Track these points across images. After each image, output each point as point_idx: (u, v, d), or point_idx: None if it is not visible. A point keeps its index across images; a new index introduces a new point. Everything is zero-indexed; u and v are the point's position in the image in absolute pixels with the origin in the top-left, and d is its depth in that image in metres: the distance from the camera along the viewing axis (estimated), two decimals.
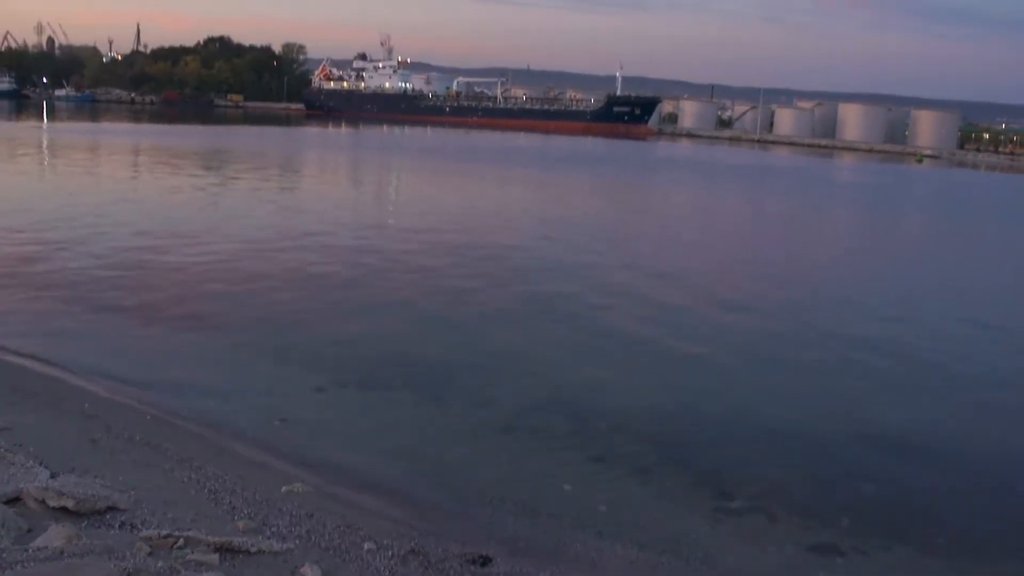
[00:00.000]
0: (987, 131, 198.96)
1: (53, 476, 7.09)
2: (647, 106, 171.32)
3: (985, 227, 42.50)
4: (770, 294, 21.07)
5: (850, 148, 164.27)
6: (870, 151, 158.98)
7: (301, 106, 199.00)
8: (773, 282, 22.85)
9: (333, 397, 12.01)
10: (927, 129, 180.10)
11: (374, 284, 18.97)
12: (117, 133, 77.82)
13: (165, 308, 15.81)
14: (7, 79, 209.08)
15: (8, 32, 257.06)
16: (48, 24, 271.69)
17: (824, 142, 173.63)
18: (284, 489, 8.30)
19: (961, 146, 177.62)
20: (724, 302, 19.62)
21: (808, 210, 45.71)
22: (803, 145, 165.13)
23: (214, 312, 15.77)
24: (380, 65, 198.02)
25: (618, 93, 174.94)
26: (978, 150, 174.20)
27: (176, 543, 5.93)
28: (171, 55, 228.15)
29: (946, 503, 10.12)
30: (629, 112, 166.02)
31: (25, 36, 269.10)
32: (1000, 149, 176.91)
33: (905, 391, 13.94)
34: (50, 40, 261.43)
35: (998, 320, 19.96)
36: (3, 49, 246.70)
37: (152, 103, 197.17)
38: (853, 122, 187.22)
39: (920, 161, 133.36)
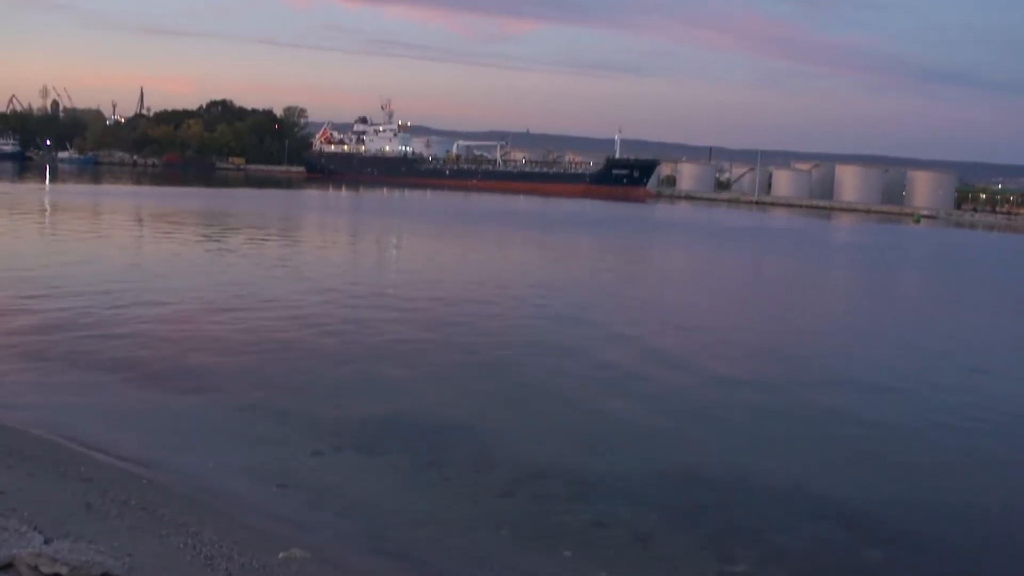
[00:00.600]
0: (983, 191, 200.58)
1: (47, 541, 7.00)
2: (646, 169, 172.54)
3: (988, 287, 42.55)
4: (769, 360, 21.05)
5: (848, 209, 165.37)
6: (868, 212, 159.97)
7: (302, 169, 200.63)
8: (771, 347, 22.84)
9: (332, 461, 11.93)
10: (924, 190, 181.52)
11: (372, 348, 18.94)
12: (118, 195, 78.35)
13: (163, 372, 15.77)
14: (11, 142, 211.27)
15: (14, 95, 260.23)
16: (53, 88, 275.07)
17: (822, 203, 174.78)
18: (281, 555, 8.21)
19: (958, 206, 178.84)
20: (723, 368, 19.60)
21: (806, 272, 45.84)
22: (801, 206, 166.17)
23: (212, 376, 15.73)
24: (380, 129, 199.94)
25: (617, 156, 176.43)
26: (975, 210, 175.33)
27: None
28: (174, 118, 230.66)
29: (951, 569, 10.01)
30: (628, 175, 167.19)
31: (31, 99, 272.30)
32: (997, 209, 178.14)
33: (906, 456, 13.86)
34: (55, 103, 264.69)
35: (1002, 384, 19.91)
36: (8, 112, 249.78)
37: (154, 166, 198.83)
38: (850, 183, 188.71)
39: (917, 221, 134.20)
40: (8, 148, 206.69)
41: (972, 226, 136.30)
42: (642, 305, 28.94)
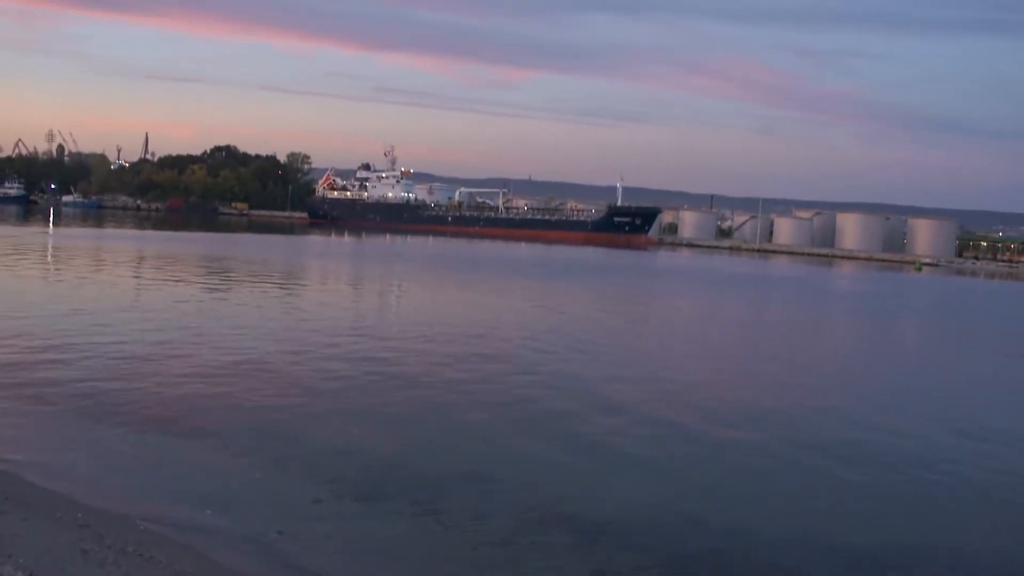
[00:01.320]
0: (984, 239, 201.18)
1: None
2: (647, 216, 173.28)
3: (990, 333, 42.47)
4: (771, 407, 20.97)
5: (849, 257, 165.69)
6: (869, 259, 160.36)
7: (305, 215, 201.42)
8: (774, 394, 22.77)
9: (331, 509, 11.84)
10: (925, 237, 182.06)
11: (371, 395, 18.87)
12: (121, 239, 78.63)
13: (162, 417, 15.71)
14: (16, 185, 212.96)
15: (20, 139, 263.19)
16: (59, 132, 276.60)
17: (823, 251, 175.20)
18: None
19: (959, 254, 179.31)
20: (725, 415, 19.53)
21: (808, 319, 45.81)
22: (803, 254, 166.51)
23: (211, 421, 15.66)
24: (383, 175, 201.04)
25: (619, 203, 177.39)
26: (976, 258, 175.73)
27: None
28: (178, 163, 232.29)
29: None
30: (630, 222, 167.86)
31: (36, 143, 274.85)
32: (999, 256, 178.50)
33: (909, 506, 13.75)
34: (60, 147, 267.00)
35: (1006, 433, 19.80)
36: (14, 155, 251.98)
37: (157, 210, 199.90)
38: (851, 231, 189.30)
39: (919, 269, 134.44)
40: (13, 192, 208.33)
41: (974, 274, 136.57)
42: (642, 352, 28.89)
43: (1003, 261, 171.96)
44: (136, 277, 43.72)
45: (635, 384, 22.17)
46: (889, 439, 17.81)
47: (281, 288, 41.62)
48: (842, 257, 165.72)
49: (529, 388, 20.51)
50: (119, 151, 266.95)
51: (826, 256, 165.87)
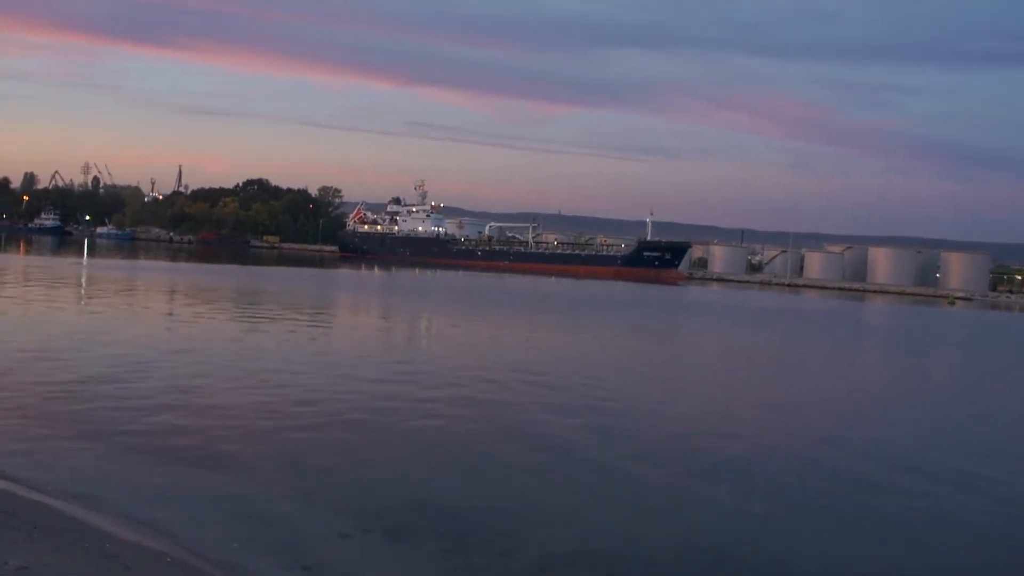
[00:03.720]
0: (1019, 272, 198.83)
1: None
2: (677, 251, 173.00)
3: None
4: (805, 448, 20.68)
5: (881, 291, 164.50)
6: (901, 294, 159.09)
7: (335, 248, 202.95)
8: (806, 436, 22.47)
9: (358, 543, 11.74)
10: (958, 271, 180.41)
11: (399, 429, 18.78)
12: (154, 270, 79.51)
13: (190, 448, 15.70)
14: (52, 216, 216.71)
15: (57, 171, 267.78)
16: (95, 164, 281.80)
17: (855, 285, 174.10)
18: None
19: (993, 288, 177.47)
20: (758, 454, 19.26)
21: (840, 353, 45.30)
22: (834, 288, 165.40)
23: (238, 454, 15.63)
24: (414, 209, 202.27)
25: (648, 238, 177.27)
26: (1011, 291, 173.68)
27: None
28: (210, 196, 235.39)
29: None
30: (660, 257, 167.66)
31: (72, 175, 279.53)
32: None
33: (931, 550, 13.47)
34: (95, 179, 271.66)
35: None
36: (51, 187, 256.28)
37: (190, 242, 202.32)
38: (883, 265, 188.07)
39: (952, 303, 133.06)
40: (49, 223, 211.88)
41: (1008, 308, 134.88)
42: (673, 387, 28.65)
43: None
44: (168, 309, 44.04)
45: (670, 424, 21.96)
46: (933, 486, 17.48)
47: (310, 322, 41.74)
48: (874, 291, 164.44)
49: (558, 428, 20.34)
50: (153, 184, 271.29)
51: (857, 290, 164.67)
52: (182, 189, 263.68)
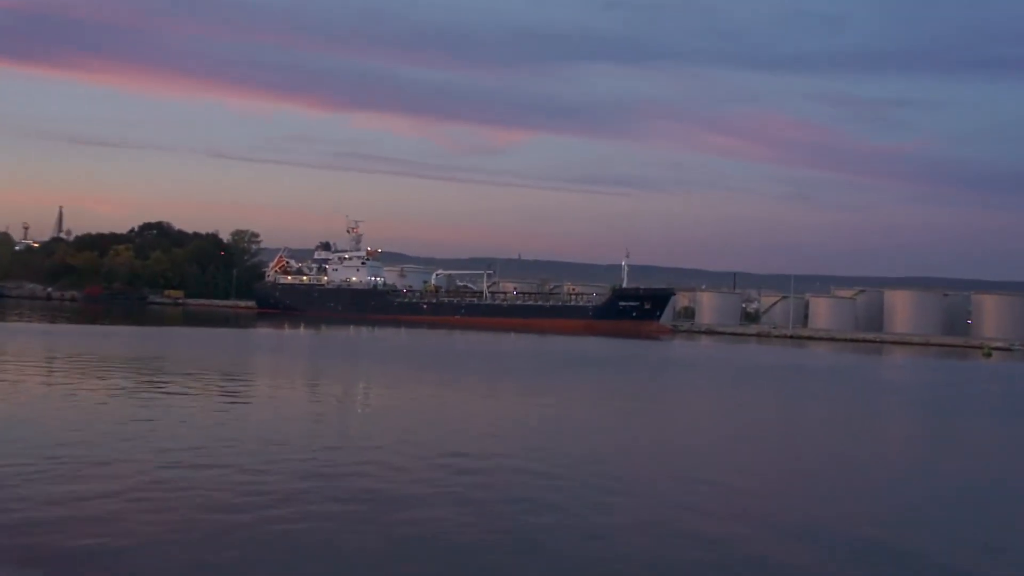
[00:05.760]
0: None
1: None
2: (659, 299, 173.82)
3: None
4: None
5: (902, 342, 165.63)
6: (926, 344, 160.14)
7: (252, 303, 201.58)
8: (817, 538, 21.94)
9: None
10: (993, 316, 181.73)
11: (332, 518, 18.03)
12: (24, 333, 77.64)
13: (74, 548, 14.75)
14: None
15: None
16: None
17: (870, 336, 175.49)
18: None
19: None
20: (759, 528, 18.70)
21: (853, 424, 44.87)
22: (845, 340, 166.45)
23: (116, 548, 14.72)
24: (346, 256, 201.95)
25: (624, 285, 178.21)
26: None
27: None
28: (99, 243, 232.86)
29: None
30: (638, 307, 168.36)
31: None
32: None
33: None
34: None
35: None
36: None
37: (73, 299, 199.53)
38: (903, 311, 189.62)
39: (988, 355, 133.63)
40: None
41: None
42: (655, 463, 28.05)
43: None
44: (46, 382, 42.74)
45: (651, 509, 21.31)
46: None
47: (226, 398, 40.64)
48: (893, 342, 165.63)
49: (514, 512, 19.66)
50: (26, 229, 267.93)
51: (873, 341, 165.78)
52: (63, 235, 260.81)
